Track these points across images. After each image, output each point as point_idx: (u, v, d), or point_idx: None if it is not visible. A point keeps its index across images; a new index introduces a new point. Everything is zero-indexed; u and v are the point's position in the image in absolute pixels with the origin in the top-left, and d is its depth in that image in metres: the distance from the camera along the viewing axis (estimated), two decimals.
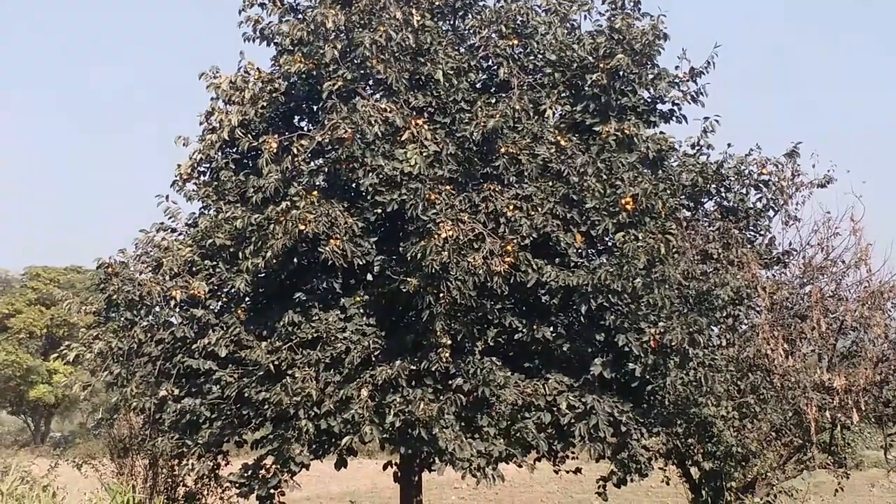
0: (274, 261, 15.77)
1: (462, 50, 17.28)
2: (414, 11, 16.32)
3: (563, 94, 17.06)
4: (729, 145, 18.40)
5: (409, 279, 15.31)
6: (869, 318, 17.07)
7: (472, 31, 17.48)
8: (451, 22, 18.06)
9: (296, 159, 15.96)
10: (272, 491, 16.65)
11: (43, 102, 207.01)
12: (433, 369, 15.56)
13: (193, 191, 17.66)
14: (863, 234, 17.72)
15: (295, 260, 16.37)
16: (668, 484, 18.80)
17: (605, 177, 15.90)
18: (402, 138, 15.54)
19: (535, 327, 15.98)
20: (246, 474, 16.72)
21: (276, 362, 15.47)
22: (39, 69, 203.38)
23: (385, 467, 18.83)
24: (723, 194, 18.27)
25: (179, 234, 17.72)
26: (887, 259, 18.01)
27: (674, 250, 15.70)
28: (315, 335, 15.54)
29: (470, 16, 17.75)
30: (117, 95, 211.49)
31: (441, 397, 15.51)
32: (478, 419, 15.73)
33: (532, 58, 17.56)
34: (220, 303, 16.87)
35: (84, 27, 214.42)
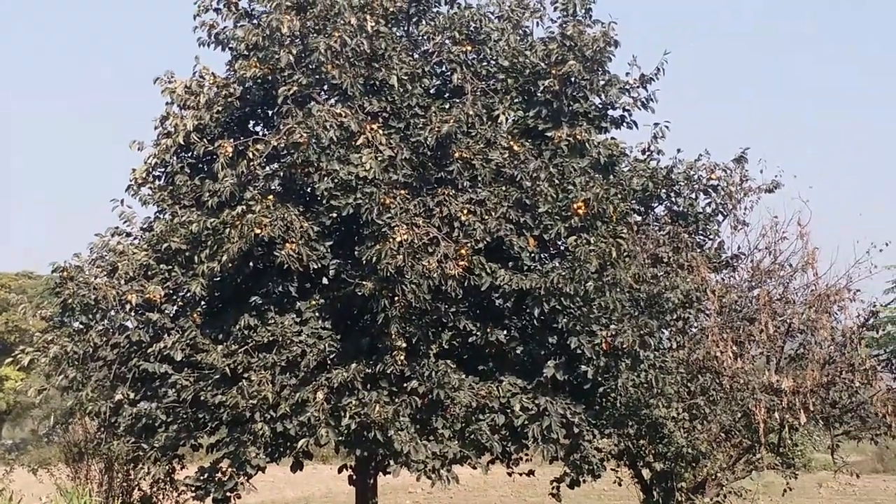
0: (230, 265, 15.78)
1: (416, 56, 17.36)
2: (368, 17, 16.36)
3: (515, 100, 17.17)
4: (678, 150, 18.56)
5: (364, 283, 15.37)
6: (816, 321, 17.28)
7: (426, 38, 17.56)
8: (406, 28, 18.11)
9: (251, 164, 16.00)
10: (228, 494, 16.63)
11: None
12: (388, 372, 15.64)
13: (149, 195, 17.52)
14: (809, 239, 17.97)
15: (251, 264, 16.33)
16: (620, 485, 18.86)
17: (557, 181, 16.04)
18: (357, 143, 15.56)
19: (488, 330, 16.08)
20: (202, 478, 16.75)
21: (232, 366, 15.48)
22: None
23: (340, 470, 18.87)
24: (673, 199, 18.40)
25: (135, 239, 17.65)
26: (833, 263, 18.27)
27: (625, 254, 15.83)
28: (271, 339, 15.55)
29: (424, 22, 17.82)
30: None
31: (396, 400, 15.61)
32: (433, 421, 15.82)
33: (485, 64, 17.66)
34: (175, 307, 16.82)
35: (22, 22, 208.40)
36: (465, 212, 15.63)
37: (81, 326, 16.73)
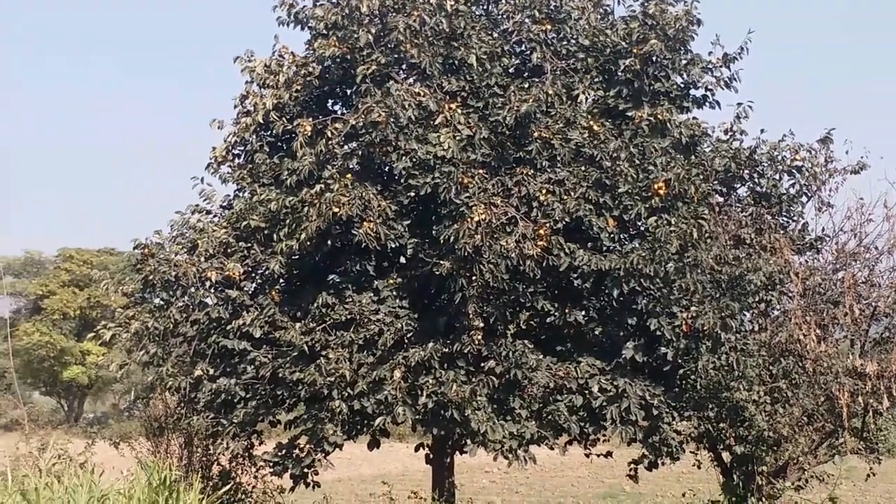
0: (308, 243, 15.93)
1: (495, 35, 17.24)
2: None
3: (596, 80, 17.09)
4: (762, 131, 18.22)
5: (441, 262, 15.40)
6: None
7: (505, 16, 17.48)
8: (485, 7, 18.07)
9: (330, 143, 16.10)
10: (306, 470, 16.85)
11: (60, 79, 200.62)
12: (465, 351, 15.65)
13: (228, 173, 17.73)
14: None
15: (329, 242, 16.43)
16: (699, 468, 18.69)
17: (637, 162, 16.01)
18: (436, 122, 15.60)
19: (567, 311, 16.09)
20: (280, 454, 16.94)
21: (310, 343, 15.63)
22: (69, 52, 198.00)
23: (417, 449, 18.91)
24: (755, 180, 18.09)
25: (214, 216, 17.82)
26: None
27: (706, 235, 15.73)
28: (349, 317, 15.66)
29: (503, 0, 17.75)
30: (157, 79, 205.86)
31: (473, 379, 15.63)
32: (510, 401, 15.84)
33: (565, 43, 17.53)
34: (254, 284, 16.99)
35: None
36: (544, 192, 15.58)
37: (162, 303, 16.97)
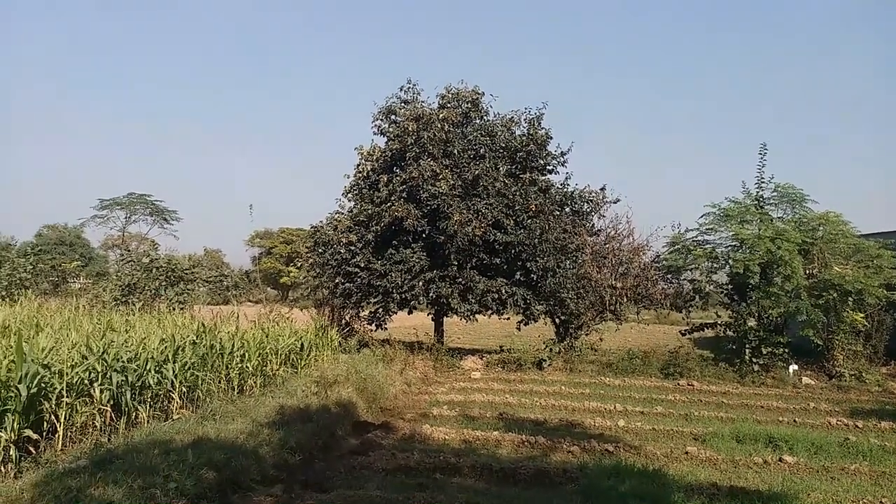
0: (384, 227, 15.91)
1: (465, 140, 17.19)
2: (445, 123, 16.31)
3: (507, 160, 16.99)
4: (576, 184, 18.28)
5: (441, 237, 15.42)
6: (632, 258, 17.08)
7: (470, 131, 17.35)
8: (462, 128, 17.94)
9: (393, 184, 16.02)
10: (381, 322, 16.90)
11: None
12: (450, 275, 15.70)
13: (351, 196, 17.62)
14: (632, 223, 17.69)
15: (393, 227, 16.36)
16: (546, 325, 18.80)
17: (522, 196, 15.94)
18: (439, 178, 15.55)
19: (492, 259, 16.09)
20: (371, 315, 16.96)
21: (383, 270, 15.63)
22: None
23: (428, 315, 18.95)
24: (572, 204, 18.09)
25: (345, 214, 17.73)
26: (642, 234, 18.01)
27: (552, 227, 15.74)
28: (400, 259, 15.67)
29: (469, 126, 17.61)
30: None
31: (452, 286, 15.69)
32: (467, 296, 15.89)
33: (494, 144, 17.45)
34: (361, 244, 16.92)
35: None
36: (484, 207, 15.58)
37: (321, 251, 16.93)
